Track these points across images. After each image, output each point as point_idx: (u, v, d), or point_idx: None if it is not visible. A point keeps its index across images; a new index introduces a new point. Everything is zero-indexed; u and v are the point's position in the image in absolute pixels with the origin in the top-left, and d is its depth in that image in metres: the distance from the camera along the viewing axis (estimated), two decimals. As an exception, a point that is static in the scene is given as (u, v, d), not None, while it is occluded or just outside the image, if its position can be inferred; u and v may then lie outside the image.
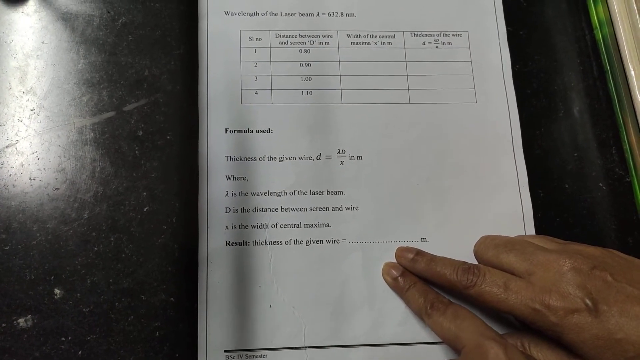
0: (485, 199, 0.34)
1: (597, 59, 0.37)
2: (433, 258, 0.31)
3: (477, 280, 0.28)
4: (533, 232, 0.33)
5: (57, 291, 0.30)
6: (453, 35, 0.37)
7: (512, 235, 0.33)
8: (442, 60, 0.36)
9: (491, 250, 0.30)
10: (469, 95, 0.35)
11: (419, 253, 0.32)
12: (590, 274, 0.26)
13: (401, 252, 0.32)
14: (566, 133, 0.35)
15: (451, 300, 0.30)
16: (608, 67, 0.36)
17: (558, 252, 0.28)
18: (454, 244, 0.33)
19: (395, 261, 0.32)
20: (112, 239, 0.31)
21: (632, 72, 0.34)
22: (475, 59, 0.36)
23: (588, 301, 0.25)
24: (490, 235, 0.32)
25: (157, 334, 0.30)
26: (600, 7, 0.37)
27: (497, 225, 0.33)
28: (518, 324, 0.31)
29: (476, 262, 0.32)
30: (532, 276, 0.27)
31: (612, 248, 0.29)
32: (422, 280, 0.31)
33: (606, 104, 0.36)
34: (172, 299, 0.31)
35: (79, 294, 0.30)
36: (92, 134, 0.33)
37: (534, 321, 0.27)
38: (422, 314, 0.30)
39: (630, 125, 0.34)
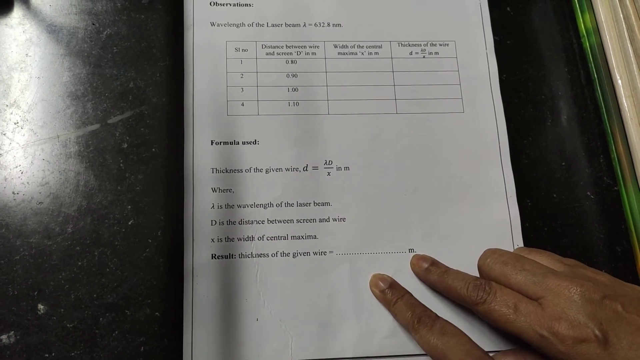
0: (473, 209, 0.34)
1: (585, 67, 0.37)
2: (447, 270, 0.31)
3: (488, 298, 0.28)
4: (521, 241, 0.33)
5: (40, 306, 0.30)
6: (440, 45, 0.37)
7: (500, 247, 0.32)
8: (429, 70, 0.36)
9: (499, 268, 0.29)
10: (456, 105, 0.35)
11: (434, 263, 0.32)
12: (602, 304, 0.26)
13: (417, 260, 0.32)
14: (554, 142, 0.35)
15: (440, 316, 0.30)
16: (595, 76, 0.36)
17: (569, 277, 0.27)
18: (442, 255, 0.33)
19: (382, 272, 0.32)
20: (96, 253, 0.31)
21: (619, 81, 0.34)
22: (463, 69, 0.36)
23: (598, 332, 0.25)
24: (497, 249, 0.31)
25: (142, 349, 0.30)
26: (588, 16, 0.37)
27: (485, 235, 0.33)
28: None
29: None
30: (541, 300, 0.27)
31: (600, 257, 0.29)
32: (410, 293, 0.31)
33: (594, 112, 0.36)
34: (157, 313, 0.30)
35: (62, 309, 0.30)
36: (76, 147, 0.32)
37: (540, 347, 0.26)
38: (409, 328, 0.30)
39: (618, 134, 0.34)
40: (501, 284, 0.29)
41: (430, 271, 0.31)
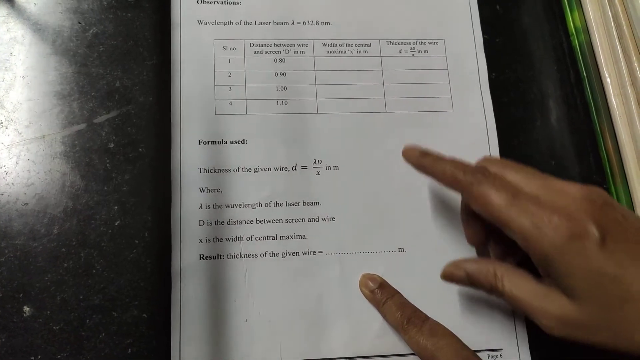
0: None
1: (574, 66, 0.37)
2: (440, 156, 0.28)
3: (485, 180, 0.25)
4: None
5: (26, 309, 0.30)
6: (429, 43, 0.36)
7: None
8: (419, 68, 0.36)
9: (497, 166, 0.27)
10: (446, 103, 0.35)
11: (427, 152, 0.29)
12: (603, 208, 0.24)
13: (408, 149, 0.30)
14: (543, 141, 0.35)
15: (430, 316, 0.30)
16: (585, 75, 0.36)
17: (570, 182, 0.25)
18: (432, 254, 0.32)
19: (372, 272, 0.32)
20: (82, 254, 0.31)
21: (608, 80, 0.34)
22: (452, 67, 0.36)
23: (596, 231, 0.23)
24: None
25: (130, 351, 0.29)
26: (577, 14, 0.37)
27: (475, 234, 0.33)
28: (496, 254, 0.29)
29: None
30: (541, 196, 0.24)
31: None
32: (400, 293, 0.31)
33: (583, 111, 0.36)
34: (144, 315, 0.30)
35: (48, 311, 0.30)
36: (62, 147, 0.32)
37: (530, 239, 0.24)
38: (398, 329, 0.30)
39: (607, 133, 0.34)
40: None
41: (426, 157, 0.29)
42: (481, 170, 0.26)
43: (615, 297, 0.23)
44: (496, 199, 0.25)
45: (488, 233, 0.28)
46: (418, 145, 0.30)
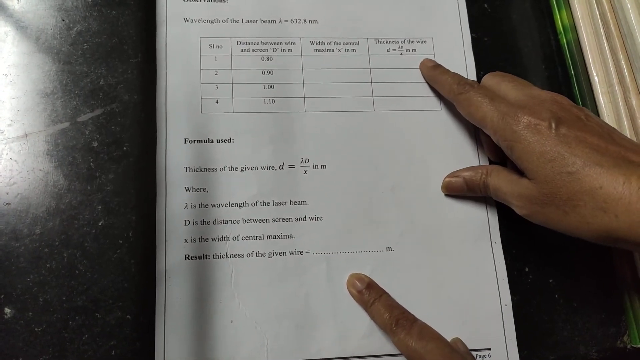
0: (451, 206, 0.33)
1: (563, 64, 0.37)
2: (446, 70, 0.34)
3: (471, 90, 0.31)
4: (499, 239, 0.33)
5: (7, 310, 0.29)
6: (417, 42, 0.36)
7: (478, 244, 0.32)
8: (407, 67, 0.36)
9: (497, 78, 0.32)
10: (434, 102, 0.35)
11: (439, 65, 0.35)
12: (568, 109, 0.28)
13: (426, 60, 0.35)
14: (531, 139, 0.35)
15: (418, 317, 0.30)
16: (573, 73, 0.36)
17: (554, 92, 0.29)
18: (420, 254, 0.32)
19: (359, 272, 0.31)
20: (65, 254, 0.30)
21: (596, 78, 0.34)
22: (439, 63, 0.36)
23: (552, 121, 0.27)
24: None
25: (113, 352, 0.29)
26: (564, 13, 0.37)
27: (463, 233, 0.33)
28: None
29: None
30: (518, 101, 0.29)
31: (586, 253, 0.29)
32: (387, 294, 0.31)
33: (571, 109, 0.36)
34: (128, 316, 0.30)
35: (30, 313, 0.29)
36: (45, 146, 0.31)
37: (497, 129, 0.29)
38: (387, 330, 0.29)
39: (595, 131, 0.34)
40: (492, 89, 0.31)
41: (435, 69, 0.34)
42: (471, 82, 0.32)
43: (563, 173, 0.26)
44: (474, 103, 0.30)
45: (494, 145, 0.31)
46: (433, 60, 0.35)
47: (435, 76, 0.34)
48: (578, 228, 0.26)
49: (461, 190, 0.33)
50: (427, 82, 0.35)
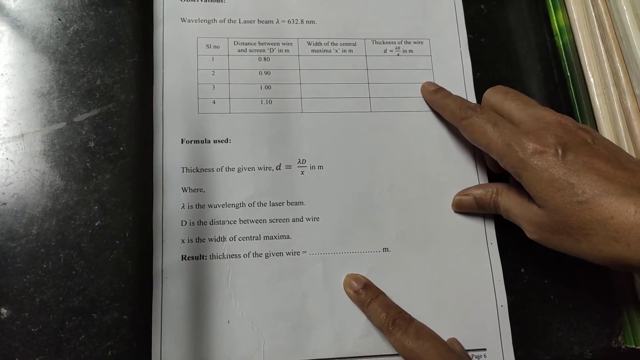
0: (448, 207, 0.33)
1: (558, 65, 0.37)
2: (448, 94, 0.34)
3: (474, 115, 0.30)
4: (495, 240, 0.33)
5: (3, 311, 0.29)
6: (414, 43, 0.36)
7: (474, 245, 0.33)
8: (404, 68, 0.36)
9: (500, 95, 0.31)
10: (430, 103, 0.35)
11: (440, 89, 0.34)
12: (573, 131, 0.27)
13: (427, 84, 0.35)
14: (528, 140, 0.35)
15: (411, 317, 0.30)
16: (568, 74, 0.36)
17: (558, 113, 0.29)
18: (417, 254, 0.32)
19: (356, 272, 0.32)
20: (62, 255, 0.30)
21: (592, 79, 0.34)
22: (437, 67, 0.36)
23: (559, 147, 0.26)
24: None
25: (110, 353, 0.29)
26: (561, 14, 0.37)
27: (459, 234, 0.33)
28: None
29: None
30: (522, 124, 0.29)
31: (577, 259, 0.29)
32: (384, 294, 0.31)
33: (567, 110, 0.36)
34: (125, 317, 0.30)
35: (27, 313, 0.29)
36: (41, 145, 0.31)
37: (503, 156, 0.28)
38: (384, 330, 0.29)
39: (590, 132, 0.34)
40: (495, 109, 0.31)
41: (437, 93, 0.34)
42: (474, 107, 0.31)
43: (573, 203, 0.25)
44: (478, 129, 0.30)
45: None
46: (434, 84, 0.35)
47: (436, 100, 0.34)
48: (590, 255, 0.26)
49: (471, 208, 0.33)
50: (430, 104, 0.35)
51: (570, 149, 0.26)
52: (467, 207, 0.33)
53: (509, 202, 0.30)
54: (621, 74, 0.33)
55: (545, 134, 0.27)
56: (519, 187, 0.29)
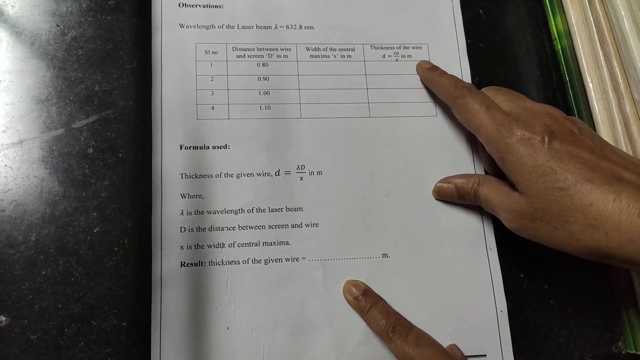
0: (446, 212, 0.33)
1: (557, 70, 0.37)
2: (444, 72, 0.34)
3: (469, 95, 0.31)
4: (494, 245, 0.33)
5: (2, 318, 0.29)
6: (413, 48, 0.36)
7: (474, 249, 0.33)
8: (402, 73, 0.36)
9: (492, 91, 0.32)
10: (429, 108, 0.35)
11: (435, 67, 0.35)
12: (561, 122, 0.28)
13: (423, 62, 0.35)
14: (527, 145, 0.35)
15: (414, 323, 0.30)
16: (567, 79, 0.36)
17: (548, 105, 0.30)
18: (417, 260, 0.32)
19: (356, 278, 0.31)
20: (60, 262, 0.30)
21: (590, 84, 0.34)
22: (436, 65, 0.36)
23: (545, 135, 0.27)
24: None
25: (109, 360, 0.29)
26: (559, 19, 0.37)
27: (459, 240, 0.33)
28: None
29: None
30: (512, 113, 0.29)
31: (581, 259, 0.29)
32: (384, 300, 0.31)
33: (566, 114, 0.36)
34: (124, 324, 0.29)
35: (26, 321, 0.29)
36: (40, 152, 0.31)
37: (491, 140, 0.29)
38: (383, 337, 0.29)
39: (589, 137, 0.34)
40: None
41: (432, 71, 0.34)
42: (468, 86, 0.31)
43: (554, 189, 0.26)
44: (471, 110, 0.30)
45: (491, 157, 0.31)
46: (429, 61, 0.35)
47: (432, 78, 0.34)
48: (567, 244, 0.26)
49: (451, 196, 0.33)
50: (423, 83, 0.35)
51: (557, 137, 0.27)
52: (447, 195, 0.33)
53: (490, 191, 0.30)
54: (620, 79, 0.33)
55: (534, 122, 0.28)
56: (500, 179, 0.30)
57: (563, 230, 0.26)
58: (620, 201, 0.24)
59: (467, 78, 0.36)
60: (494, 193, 0.30)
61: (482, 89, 0.33)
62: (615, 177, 0.25)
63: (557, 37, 0.37)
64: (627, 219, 0.24)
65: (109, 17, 0.34)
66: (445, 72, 0.34)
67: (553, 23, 0.37)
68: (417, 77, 0.36)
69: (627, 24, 0.32)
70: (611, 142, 0.33)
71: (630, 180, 0.25)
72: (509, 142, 0.28)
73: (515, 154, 0.27)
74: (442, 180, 0.33)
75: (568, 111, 0.36)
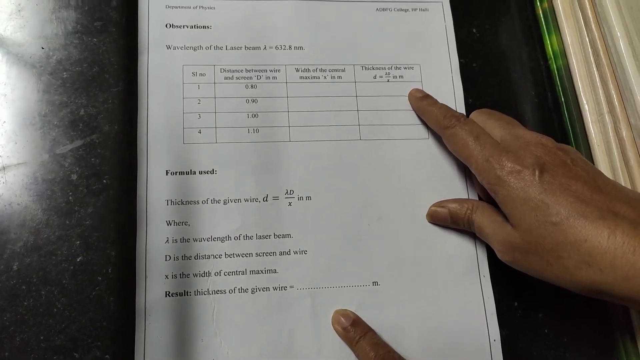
0: (439, 238, 0.33)
1: (553, 90, 0.36)
2: (435, 102, 0.34)
3: (458, 125, 0.30)
4: (487, 272, 0.32)
5: (-17, 350, 0.28)
6: (405, 68, 0.36)
7: (467, 278, 0.32)
8: (394, 94, 0.35)
9: (484, 116, 0.31)
10: (421, 130, 0.34)
11: (427, 96, 0.34)
12: (553, 152, 0.27)
13: (415, 91, 0.35)
14: (521, 168, 0.34)
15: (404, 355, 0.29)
16: (563, 100, 0.35)
17: (539, 134, 0.29)
18: (407, 287, 0.32)
19: (345, 307, 0.31)
20: (43, 292, 0.29)
21: (586, 106, 0.34)
22: (428, 93, 0.35)
23: (536, 168, 0.26)
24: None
25: (92, 393, 0.28)
26: (555, 38, 0.36)
27: (451, 265, 0.32)
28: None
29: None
30: (503, 142, 0.29)
31: (572, 293, 0.28)
32: (373, 331, 0.30)
33: (562, 137, 0.35)
34: (107, 356, 0.29)
35: (7, 353, 0.28)
36: (23, 179, 0.31)
37: (481, 171, 0.28)
38: (371, 369, 0.29)
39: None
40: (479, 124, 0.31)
41: (423, 100, 0.34)
42: (458, 116, 0.31)
43: (547, 223, 0.25)
44: (460, 141, 0.30)
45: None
46: (421, 90, 0.35)
47: (422, 107, 0.34)
48: (561, 279, 0.25)
49: (445, 221, 0.32)
50: (416, 111, 0.35)
51: (548, 169, 0.26)
52: (441, 219, 0.32)
53: (483, 220, 0.30)
54: (616, 102, 0.32)
55: (525, 154, 0.27)
56: (495, 206, 0.29)
57: (557, 265, 0.25)
58: (615, 237, 0.23)
59: (460, 99, 0.35)
60: (487, 222, 0.29)
61: (474, 112, 0.32)
62: (609, 211, 0.24)
63: (552, 57, 0.36)
64: (622, 256, 0.23)
65: (95, 39, 0.34)
66: (436, 102, 0.34)
67: (548, 42, 0.37)
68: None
69: (623, 46, 0.31)
70: (607, 167, 0.32)
71: (624, 215, 0.24)
72: (500, 175, 0.27)
73: (506, 187, 0.27)
74: (436, 204, 0.33)
75: (564, 133, 0.35)
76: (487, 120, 0.31)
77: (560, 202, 0.25)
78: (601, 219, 0.24)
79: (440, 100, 0.35)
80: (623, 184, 0.32)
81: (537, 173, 0.26)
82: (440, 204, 0.33)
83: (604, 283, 0.24)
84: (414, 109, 0.35)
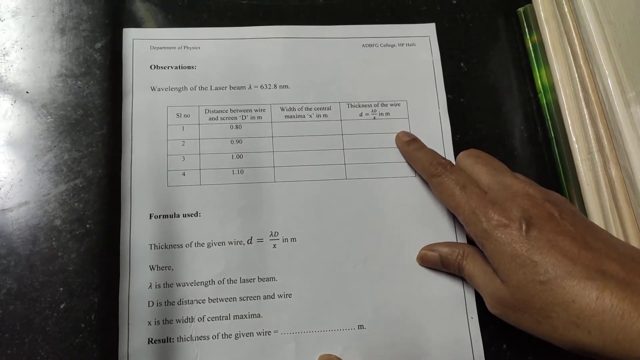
0: (426, 279, 0.32)
1: (542, 125, 0.36)
2: (421, 147, 0.33)
3: (444, 173, 0.30)
4: (475, 313, 0.32)
5: (-33, 399, 0.28)
6: (391, 105, 0.35)
7: (455, 322, 0.31)
8: (380, 132, 0.35)
9: (471, 159, 0.31)
10: (407, 168, 0.34)
11: (415, 140, 0.34)
12: (540, 204, 0.27)
13: (402, 134, 0.34)
14: (510, 206, 0.34)
15: None
16: (553, 135, 0.35)
17: (528, 181, 0.29)
18: (393, 331, 0.31)
19: (330, 352, 0.30)
20: (26, 340, 0.29)
21: (576, 145, 0.33)
22: (415, 130, 0.35)
23: (523, 222, 0.26)
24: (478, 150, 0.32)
25: None
26: (544, 72, 0.36)
27: (438, 307, 0.32)
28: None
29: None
30: (490, 191, 0.28)
31: None
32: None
33: (552, 174, 0.35)
34: (89, 405, 0.29)
35: (-10, 402, 0.28)
36: (5, 224, 0.31)
37: (468, 223, 0.28)
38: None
39: (575, 198, 0.33)
40: (466, 170, 0.31)
41: (410, 144, 0.33)
42: (444, 164, 0.31)
43: (535, 282, 0.25)
44: (447, 190, 0.30)
45: None
46: (409, 133, 0.34)
47: (409, 152, 0.33)
48: (551, 338, 0.25)
49: (436, 264, 0.32)
50: (403, 155, 0.34)
51: (535, 224, 0.26)
52: (431, 263, 0.32)
53: (474, 269, 0.29)
54: (605, 142, 0.32)
55: (511, 206, 0.27)
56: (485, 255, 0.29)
57: (546, 324, 0.25)
58: (603, 299, 0.23)
59: (447, 135, 0.35)
60: (477, 272, 0.29)
61: (461, 154, 0.32)
62: (597, 270, 0.24)
63: (542, 91, 0.36)
64: (610, 319, 0.22)
65: (79, 82, 0.34)
66: (423, 147, 0.33)
67: (538, 75, 0.36)
68: (394, 136, 0.34)
69: (611, 84, 0.31)
70: (597, 207, 0.32)
71: (613, 274, 0.23)
72: (486, 229, 0.27)
73: (494, 241, 0.26)
74: (426, 248, 0.32)
75: (554, 168, 0.35)
76: (474, 165, 0.30)
77: (548, 261, 0.24)
78: (589, 279, 0.23)
79: (428, 137, 0.34)
80: (613, 224, 0.31)
81: (524, 228, 0.26)
82: (431, 247, 0.32)
83: (593, 345, 0.23)
84: (401, 153, 0.34)
